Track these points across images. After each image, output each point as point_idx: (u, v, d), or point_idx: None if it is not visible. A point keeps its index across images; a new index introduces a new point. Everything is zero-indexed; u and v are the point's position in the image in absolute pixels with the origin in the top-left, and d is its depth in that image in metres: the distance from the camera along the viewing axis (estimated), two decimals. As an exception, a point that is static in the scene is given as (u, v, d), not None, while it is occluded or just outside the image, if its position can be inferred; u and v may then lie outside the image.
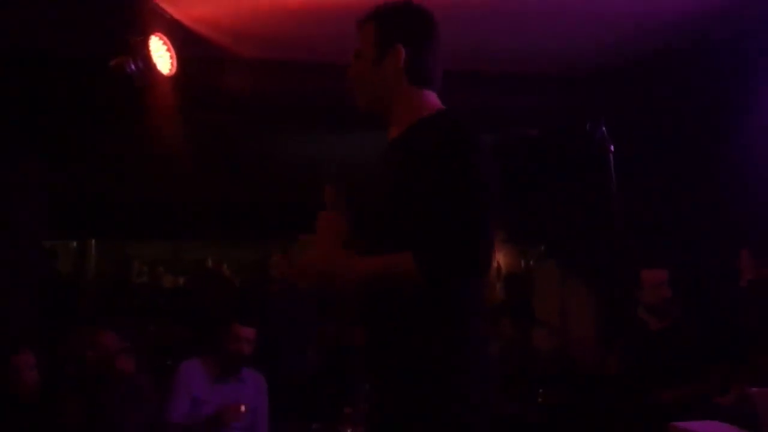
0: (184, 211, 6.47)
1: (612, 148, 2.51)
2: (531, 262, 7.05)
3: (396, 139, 1.65)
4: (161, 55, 3.66)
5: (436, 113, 1.61)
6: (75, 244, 7.57)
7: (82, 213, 6.39)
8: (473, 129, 1.50)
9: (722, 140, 3.69)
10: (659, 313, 3.34)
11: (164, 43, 3.66)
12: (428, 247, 1.40)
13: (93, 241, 7.49)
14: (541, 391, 4.32)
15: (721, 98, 3.68)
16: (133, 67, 3.52)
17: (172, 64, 3.71)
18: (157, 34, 3.60)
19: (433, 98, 1.67)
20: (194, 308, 5.94)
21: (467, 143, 1.47)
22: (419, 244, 1.41)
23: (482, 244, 1.41)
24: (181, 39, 3.73)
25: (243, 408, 3.12)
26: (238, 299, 6.42)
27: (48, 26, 3.76)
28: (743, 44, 3.64)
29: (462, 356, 1.45)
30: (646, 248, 3.65)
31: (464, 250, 1.39)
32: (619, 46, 3.86)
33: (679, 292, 3.30)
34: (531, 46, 3.89)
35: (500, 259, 7.65)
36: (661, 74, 3.87)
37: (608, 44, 3.86)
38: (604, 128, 2.51)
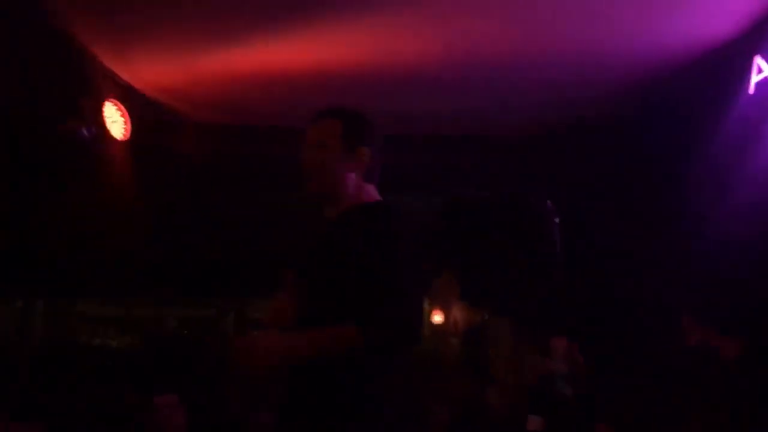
0: (137, 269, 6.36)
1: (557, 220, 2.60)
2: (486, 317, 7.09)
3: (335, 219, 1.87)
4: (115, 121, 3.69)
5: (374, 203, 1.88)
6: (20, 304, 7.32)
7: (28, 272, 6.21)
8: (399, 218, 1.77)
9: (662, 205, 3.86)
10: (570, 379, 3.40)
11: (118, 109, 3.70)
12: (373, 324, 1.57)
13: (40, 301, 7.24)
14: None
15: (657, 166, 3.86)
16: (86, 132, 3.53)
17: (125, 129, 3.74)
18: (111, 99, 3.64)
19: (373, 191, 1.92)
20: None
21: (392, 231, 1.72)
22: (364, 321, 1.57)
23: (416, 320, 1.64)
24: (136, 104, 3.77)
25: None
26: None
27: (2, 88, 3.76)
28: (679, 111, 3.86)
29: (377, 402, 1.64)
30: (590, 314, 3.74)
31: (405, 327, 1.60)
32: (555, 112, 4.05)
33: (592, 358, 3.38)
34: (472, 109, 4.06)
35: (456, 314, 7.69)
36: (602, 138, 4.06)
37: (549, 108, 4.05)
38: (548, 202, 2.59)
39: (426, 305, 8.95)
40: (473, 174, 4.58)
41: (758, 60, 3.19)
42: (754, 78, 3.23)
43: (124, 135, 3.73)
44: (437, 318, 7.90)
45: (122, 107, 3.69)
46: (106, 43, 3.41)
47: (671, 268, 3.54)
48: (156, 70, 3.60)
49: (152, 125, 3.95)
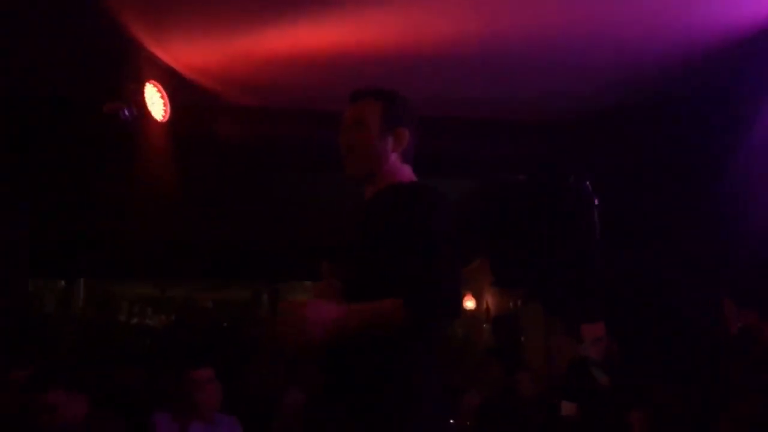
0: (173, 251, 6.49)
1: (596, 201, 2.57)
2: (519, 302, 7.07)
3: (372, 199, 1.87)
4: (155, 102, 3.75)
5: (410, 182, 1.88)
6: (63, 283, 7.55)
7: (70, 252, 6.39)
8: (436, 196, 1.73)
9: (700, 189, 3.79)
10: (605, 366, 3.36)
11: (158, 90, 3.75)
12: (414, 297, 1.56)
13: (81, 280, 7.46)
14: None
15: (699, 148, 3.79)
16: (127, 113, 3.59)
17: (165, 110, 3.80)
18: (151, 81, 3.69)
19: (410, 172, 1.92)
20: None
21: (430, 205, 1.71)
22: (405, 294, 1.57)
23: (456, 292, 1.63)
24: (175, 86, 3.82)
25: None
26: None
27: (43, 70, 3.85)
28: (716, 95, 3.78)
29: (418, 379, 1.64)
30: (628, 297, 3.69)
31: (445, 298, 1.58)
32: (597, 95, 3.99)
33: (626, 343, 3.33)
34: (510, 94, 4.03)
35: (488, 300, 7.68)
36: (639, 124, 4.00)
37: (586, 93, 4.00)
38: (587, 183, 2.57)
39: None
40: (508, 160, 4.55)
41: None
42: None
43: (164, 116, 3.79)
44: (469, 304, 7.91)
45: (162, 89, 3.75)
46: (146, 25, 3.45)
47: (712, 252, 3.48)
48: (196, 52, 3.63)
49: (192, 107, 4.00)
